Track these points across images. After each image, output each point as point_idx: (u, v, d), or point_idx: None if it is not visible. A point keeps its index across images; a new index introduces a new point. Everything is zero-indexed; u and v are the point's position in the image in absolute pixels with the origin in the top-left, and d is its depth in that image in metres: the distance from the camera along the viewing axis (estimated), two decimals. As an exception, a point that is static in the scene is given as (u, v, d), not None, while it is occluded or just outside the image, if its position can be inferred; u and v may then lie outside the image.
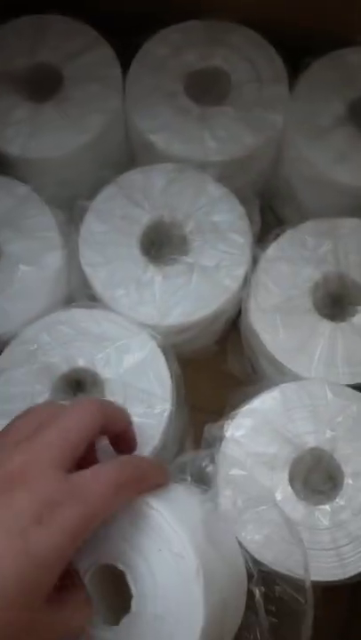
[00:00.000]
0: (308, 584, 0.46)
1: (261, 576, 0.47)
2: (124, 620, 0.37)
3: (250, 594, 0.46)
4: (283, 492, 0.51)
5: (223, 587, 0.40)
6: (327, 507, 0.50)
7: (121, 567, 0.38)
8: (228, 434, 0.51)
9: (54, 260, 0.56)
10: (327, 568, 0.50)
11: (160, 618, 0.36)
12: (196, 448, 0.57)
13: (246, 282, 0.57)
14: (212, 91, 0.62)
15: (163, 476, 0.41)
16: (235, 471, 0.50)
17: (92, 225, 0.57)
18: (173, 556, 0.37)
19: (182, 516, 0.38)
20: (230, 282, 0.56)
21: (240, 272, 0.56)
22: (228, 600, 0.40)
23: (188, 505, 0.42)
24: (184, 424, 0.61)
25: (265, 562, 0.48)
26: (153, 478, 0.40)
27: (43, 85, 0.61)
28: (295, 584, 0.47)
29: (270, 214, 0.69)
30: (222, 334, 0.66)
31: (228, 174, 0.59)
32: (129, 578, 0.37)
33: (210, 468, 0.51)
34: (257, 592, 0.46)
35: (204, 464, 0.51)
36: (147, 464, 0.41)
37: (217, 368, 0.68)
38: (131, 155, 0.65)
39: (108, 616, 0.39)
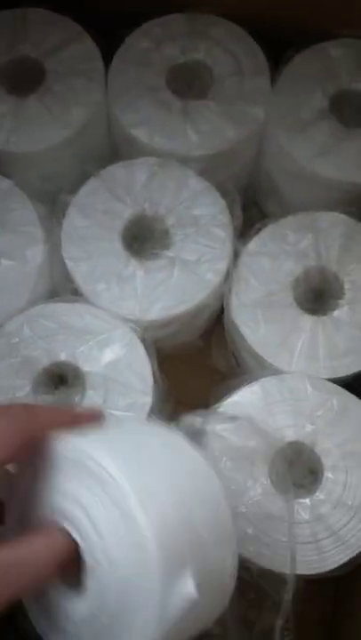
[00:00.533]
0: (290, 578, 0.46)
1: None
2: (83, 578, 0.33)
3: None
4: (262, 485, 0.51)
5: (190, 540, 0.33)
6: (307, 500, 0.51)
7: (61, 520, 0.33)
8: (208, 427, 0.51)
9: (36, 254, 0.56)
10: (307, 562, 0.50)
11: (114, 565, 0.32)
12: None
13: (228, 276, 0.57)
14: (193, 84, 0.62)
15: (69, 416, 0.36)
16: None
17: (75, 219, 0.57)
18: (112, 502, 0.32)
19: (123, 456, 0.33)
20: (212, 276, 0.56)
21: (222, 266, 0.56)
22: (203, 554, 0.33)
23: (136, 442, 0.36)
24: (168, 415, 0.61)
25: (245, 555, 0.48)
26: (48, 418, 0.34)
27: (25, 79, 0.61)
28: (275, 578, 0.48)
29: (254, 209, 0.69)
30: (206, 329, 0.66)
31: (210, 168, 0.59)
32: (72, 531, 0.33)
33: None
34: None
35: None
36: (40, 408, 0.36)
37: (202, 363, 0.68)
38: (113, 149, 0.65)
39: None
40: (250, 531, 0.49)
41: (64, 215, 0.57)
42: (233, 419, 0.50)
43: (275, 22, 0.60)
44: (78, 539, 0.33)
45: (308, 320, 0.56)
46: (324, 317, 0.56)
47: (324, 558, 0.50)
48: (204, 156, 0.59)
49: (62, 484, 0.34)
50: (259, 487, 0.51)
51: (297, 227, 0.57)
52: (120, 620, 0.32)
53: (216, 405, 0.54)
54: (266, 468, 0.51)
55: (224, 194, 0.58)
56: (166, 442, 0.38)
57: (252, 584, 0.47)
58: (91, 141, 0.62)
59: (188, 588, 0.31)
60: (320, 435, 0.52)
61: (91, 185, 0.58)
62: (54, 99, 0.60)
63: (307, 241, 0.56)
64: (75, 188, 0.58)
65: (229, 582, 0.35)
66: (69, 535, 0.33)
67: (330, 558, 0.50)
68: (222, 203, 0.57)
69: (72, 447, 0.33)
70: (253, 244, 0.57)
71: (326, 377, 0.54)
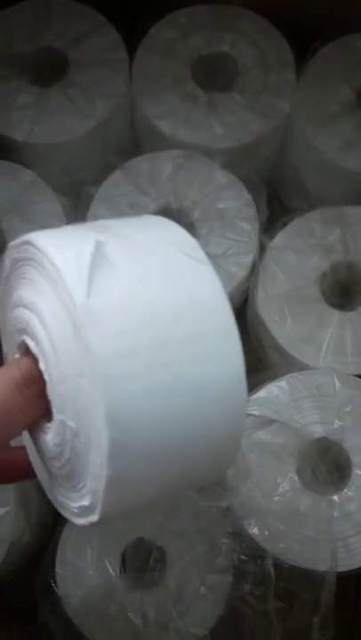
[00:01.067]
0: (330, 576, 0.45)
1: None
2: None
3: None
4: (290, 482, 0.50)
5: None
6: (335, 497, 0.50)
7: (24, 337, 0.30)
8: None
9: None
10: (327, 559, 0.49)
11: (65, 381, 0.27)
12: None
13: (253, 270, 0.56)
14: (218, 76, 0.61)
15: None
16: (241, 462, 0.49)
17: (98, 212, 0.56)
18: (62, 305, 0.27)
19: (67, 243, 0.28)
20: (237, 270, 0.55)
21: (247, 260, 0.55)
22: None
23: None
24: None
25: (276, 552, 0.48)
26: None
27: (48, 70, 0.60)
28: (305, 575, 0.47)
29: (276, 203, 0.68)
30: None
31: (235, 161, 0.58)
32: (33, 347, 0.30)
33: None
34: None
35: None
36: None
37: None
38: (137, 141, 0.64)
39: None
40: (280, 527, 0.49)
41: (88, 208, 0.56)
42: (261, 419, 0.49)
43: (301, 14, 0.59)
44: (40, 356, 0.29)
45: (335, 315, 0.55)
46: (352, 312, 0.55)
47: (351, 556, 0.50)
48: (229, 148, 0.58)
49: (22, 293, 0.30)
50: (287, 484, 0.50)
51: (324, 221, 0.56)
52: (83, 441, 0.27)
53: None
54: (294, 465, 0.50)
55: (249, 187, 0.57)
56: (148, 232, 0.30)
57: (283, 581, 0.47)
58: (114, 133, 0.61)
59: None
60: (348, 431, 0.51)
61: (115, 178, 0.57)
62: (77, 90, 0.59)
63: (334, 235, 0.56)
64: (98, 180, 0.57)
65: (228, 421, 0.28)
66: (30, 356, 0.29)
67: (357, 556, 0.50)
68: (248, 196, 0.56)
69: (22, 243, 0.29)
70: (280, 238, 0.56)
71: (354, 373, 0.53)
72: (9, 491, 0.53)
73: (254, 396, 0.53)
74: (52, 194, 0.56)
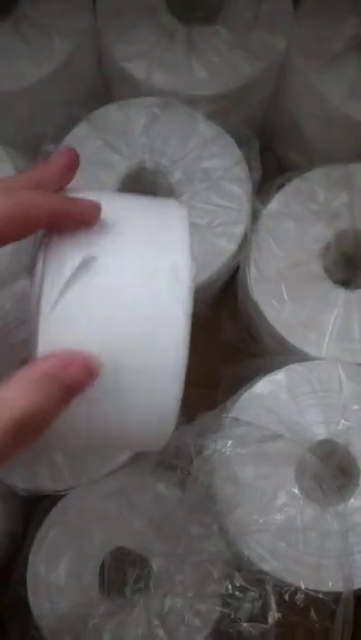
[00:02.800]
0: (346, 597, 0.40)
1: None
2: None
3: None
4: (288, 494, 0.44)
5: None
6: (341, 508, 0.44)
7: None
8: (225, 431, 0.43)
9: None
10: (336, 578, 0.43)
11: None
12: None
13: (245, 243, 0.48)
14: (199, 7, 0.53)
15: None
16: (233, 474, 0.42)
17: None
18: None
19: None
20: (226, 243, 0.48)
21: (238, 230, 0.48)
22: None
23: None
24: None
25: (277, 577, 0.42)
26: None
27: None
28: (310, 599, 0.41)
29: (270, 160, 0.60)
30: (215, 298, 0.58)
31: (221, 110, 0.50)
32: None
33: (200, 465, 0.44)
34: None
35: (190, 453, 0.44)
36: None
37: (209, 336, 0.61)
38: (104, 87, 0.56)
39: None
40: (280, 546, 0.42)
41: (47, 170, 0.48)
42: (253, 426, 0.42)
43: None
44: None
45: (340, 294, 0.48)
46: (359, 291, 0.48)
47: (358, 574, 0.44)
48: (213, 95, 0.50)
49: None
50: (285, 495, 0.44)
51: (327, 182, 0.49)
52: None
53: (233, 399, 0.46)
54: (293, 473, 0.44)
55: (239, 141, 0.49)
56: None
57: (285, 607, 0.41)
58: (77, 78, 0.53)
59: None
60: (355, 432, 0.45)
61: (79, 131, 0.50)
62: (31, 26, 0.51)
63: (339, 199, 0.49)
64: (59, 135, 0.50)
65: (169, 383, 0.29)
66: None
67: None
68: (237, 152, 0.49)
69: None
70: (275, 204, 0.49)
71: (362, 363, 0.46)
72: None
73: (247, 394, 0.46)
74: (2, 154, 0.48)
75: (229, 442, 0.42)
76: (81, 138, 0.49)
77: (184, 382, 0.30)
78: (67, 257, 0.28)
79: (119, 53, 0.51)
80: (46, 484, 0.46)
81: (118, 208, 0.31)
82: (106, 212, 0.29)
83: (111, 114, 0.50)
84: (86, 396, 0.27)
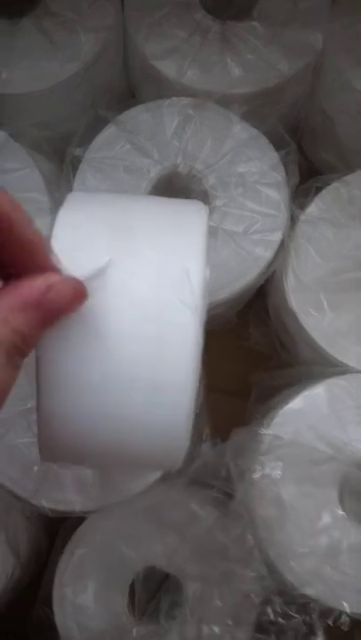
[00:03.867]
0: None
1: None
2: None
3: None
4: (332, 513, 0.41)
5: None
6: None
7: None
8: (264, 447, 0.41)
9: (42, 229, 0.44)
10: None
11: None
12: (214, 437, 0.48)
13: (282, 250, 0.46)
14: (234, 1, 0.50)
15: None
16: (277, 495, 0.40)
17: (88, 180, 0.46)
18: None
19: None
20: (263, 250, 0.45)
21: (275, 238, 0.45)
22: None
23: None
24: (198, 406, 0.52)
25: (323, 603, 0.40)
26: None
27: None
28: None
29: (300, 160, 0.57)
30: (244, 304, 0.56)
31: (256, 110, 0.48)
32: None
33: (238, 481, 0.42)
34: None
35: (230, 474, 0.42)
36: None
37: (237, 342, 0.59)
38: (132, 87, 0.54)
39: None
40: (324, 570, 0.40)
41: (74, 175, 0.46)
42: (300, 445, 0.40)
43: None
44: None
45: None
46: None
47: None
48: (249, 93, 0.48)
49: None
50: (329, 516, 0.41)
51: None
52: None
53: (270, 414, 0.44)
54: (336, 492, 0.42)
55: (276, 143, 0.46)
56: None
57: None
58: (104, 78, 0.51)
59: None
60: None
61: (107, 135, 0.47)
62: (55, 23, 0.49)
63: None
64: (86, 139, 0.47)
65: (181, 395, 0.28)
66: None
67: None
68: (274, 156, 0.46)
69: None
70: (314, 209, 0.47)
71: None
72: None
73: (285, 409, 0.43)
74: (28, 159, 0.45)
75: (280, 464, 0.39)
76: (109, 142, 0.47)
77: (197, 395, 0.29)
78: (81, 261, 0.27)
79: (149, 51, 0.48)
80: (74, 505, 0.44)
81: (134, 211, 0.30)
82: (121, 215, 0.28)
83: (141, 115, 0.47)
84: (92, 408, 0.27)
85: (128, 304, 0.27)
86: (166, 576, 0.48)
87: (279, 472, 0.39)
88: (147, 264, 0.27)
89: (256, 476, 0.39)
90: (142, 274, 0.27)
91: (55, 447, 0.29)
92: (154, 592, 0.48)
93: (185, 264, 0.27)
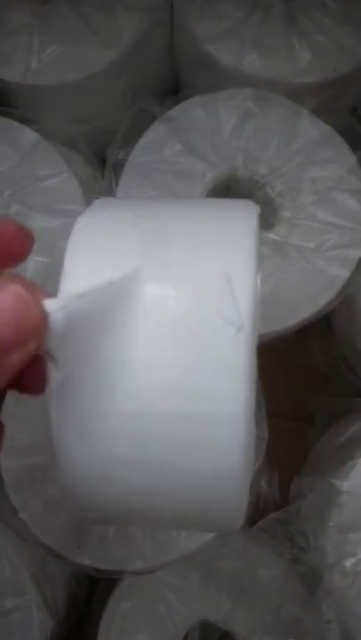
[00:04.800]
0: None
1: None
2: None
3: None
4: None
5: None
6: None
7: None
8: (348, 516, 0.35)
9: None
10: None
11: None
12: (271, 470, 0.43)
13: (358, 266, 0.40)
14: None
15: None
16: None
17: (132, 187, 0.40)
18: None
19: None
20: (339, 269, 0.39)
21: (353, 254, 0.39)
22: None
23: None
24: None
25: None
26: None
27: None
28: None
29: None
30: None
31: (327, 102, 0.42)
32: None
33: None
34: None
35: (309, 545, 0.36)
36: None
37: (296, 361, 0.55)
38: (181, 77, 0.48)
39: None
40: None
41: (117, 181, 0.40)
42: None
43: None
44: None
45: None
46: None
47: None
48: (320, 83, 0.42)
49: None
50: None
51: None
52: None
53: (348, 464, 0.38)
54: None
55: (352, 142, 0.40)
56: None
57: None
58: (147, 66, 0.46)
59: None
60: None
61: (154, 134, 0.41)
62: (93, 5, 0.43)
63: None
64: (129, 138, 0.41)
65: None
66: None
67: None
68: (351, 157, 0.40)
69: None
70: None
71: None
72: (28, 593, 0.39)
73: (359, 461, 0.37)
74: (62, 164, 0.39)
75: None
76: (157, 141, 0.41)
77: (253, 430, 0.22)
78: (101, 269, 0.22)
79: (201, 33, 0.43)
80: (121, 564, 0.39)
81: (166, 210, 0.25)
82: (152, 217, 0.24)
83: (193, 111, 0.41)
84: (123, 461, 0.21)
85: (155, 324, 0.22)
86: (223, 635, 0.43)
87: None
88: (181, 272, 0.22)
89: (348, 563, 0.33)
90: (173, 286, 0.22)
91: (88, 516, 0.24)
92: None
93: (228, 270, 0.22)
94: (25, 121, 0.41)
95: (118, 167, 0.41)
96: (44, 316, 0.18)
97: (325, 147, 0.40)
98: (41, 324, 0.18)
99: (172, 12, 0.44)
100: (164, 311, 0.21)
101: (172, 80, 0.48)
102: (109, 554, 0.39)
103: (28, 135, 0.40)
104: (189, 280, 0.22)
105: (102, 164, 0.42)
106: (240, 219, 0.24)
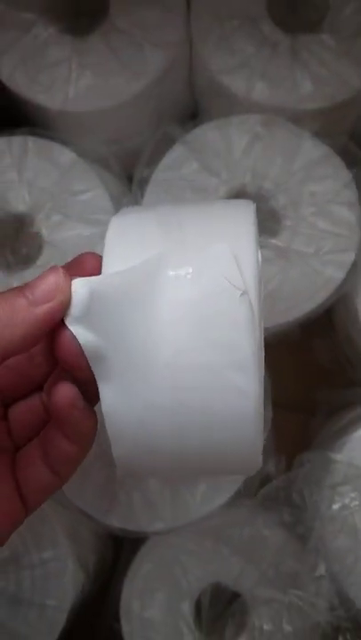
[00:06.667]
0: None
1: None
2: None
3: None
4: None
5: None
6: None
7: None
8: (339, 476, 0.40)
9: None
10: None
11: None
12: (278, 454, 0.48)
13: (354, 269, 0.45)
14: (303, 13, 0.49)
15: None
16: (350, 526, 0.39)
17: (155, 200, 0.45)
18: None
19: None
20: (334, 271, 0.44)
21: (347, 258, 0.44)
22: None
23: None
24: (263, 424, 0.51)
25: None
26: None
27: (83, 13, 0.49)
28: None
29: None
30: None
31: (327, 126, 0.46)
32: None
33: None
34: None
35: (305, 502, 0.41)
36: None
37: (300, 356, 0.59)
38: (199, 104, 0.53)
39: None
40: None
41: (142, 195, 0.45)
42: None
43: None
44: None
45: None
46: None
47: None
48: (320, 109, 0.46)
49: None
50: None
51: None
52: None
53: (342, 439, 0.43)
54: None
55: (347, 161, 0.45)
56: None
57: None
58: (170, 94, 0.50)
59: None
60: None
61: (175, 155, 0.46)
62: (122, 39, 0.48)
63: None
64: (153, 158, 0.46)
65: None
66: None
67: None
68: (347, 174, 0.45)
69: None
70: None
71: None
72: (63, 547, 0.45)
73: (357, 435, 0.42)
74: (95, 180, 0.45)
75: (358, 494, 0.39)
76: (176, 161, 0.46)
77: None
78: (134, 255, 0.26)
79: (216, 65, 0.47)
80: (144, 525, 0.44)
81: (181, 208, 0.29)
82: (170, 213, 0.28)
83: (209, 134, 0.46)
84: (162, 407, 0.25)
85: (177, 294, 0.25)
86: (234, 595, 0.48)
87: (358, 503, 0.38)
88: (195, 253, 0.26)
89: (336, 507, 0.38)
90: (191, 263, 0.26)
91: (129, 464, 0.28)
92: (221, 611, 0.48)
93: (234, 249, 0.26)
94: (64, 142, 0.46)
95: (143, 183, 0.46)
96: (68, 284, 0.23)
97: (324, 165, 0.45)
98: (66, 288, 0.23)
99: (192, 47, 0.48)
100: (184, 283, 0.25)
101: (191, 106, 0.52)
102: (134, 516, 0.45)
103: (67, 155, 0.45)
104: (203, 259, 0.25)
105: (130, 181, 0.47)
106: (241, 211, 0.28)
